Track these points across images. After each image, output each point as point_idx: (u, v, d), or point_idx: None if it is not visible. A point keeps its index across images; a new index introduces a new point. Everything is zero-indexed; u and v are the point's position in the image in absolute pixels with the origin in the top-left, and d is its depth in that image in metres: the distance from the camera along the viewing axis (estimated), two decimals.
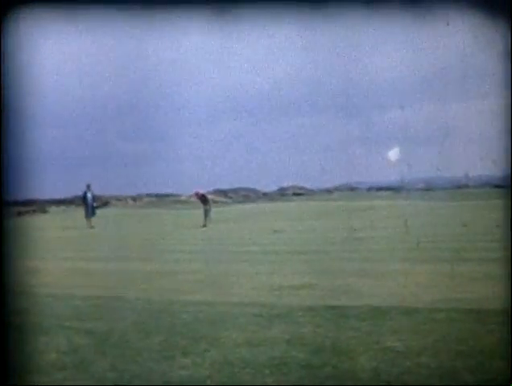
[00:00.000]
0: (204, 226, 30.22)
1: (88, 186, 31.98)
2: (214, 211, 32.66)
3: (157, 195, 59.98)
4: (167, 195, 59.76)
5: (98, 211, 32.77)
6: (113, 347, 5.78)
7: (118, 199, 56.30)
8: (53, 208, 49.59)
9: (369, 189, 63.33)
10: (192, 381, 4.81)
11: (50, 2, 6.17)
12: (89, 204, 31.47)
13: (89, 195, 31.73)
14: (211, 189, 48.08)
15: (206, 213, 31.17)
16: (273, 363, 5.11)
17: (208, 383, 4.75)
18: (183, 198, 57.17)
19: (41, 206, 47.27)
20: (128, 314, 7.53)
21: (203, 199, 31.78)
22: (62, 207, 50.06)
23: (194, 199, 34.90)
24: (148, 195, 59.63)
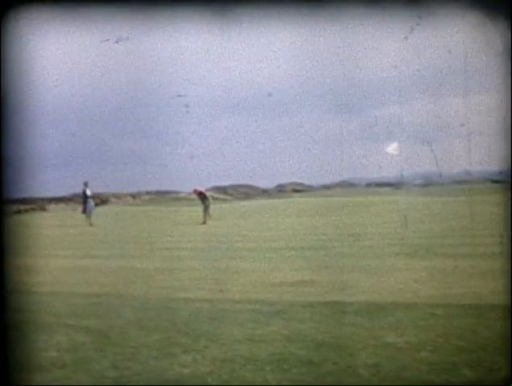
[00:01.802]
0: (204, 223, 30.21)
1: (86, 184, 31.99)
2: (213, 208, 32.64)
3: (156, 193, 59.87)
4: (166, 192, 59.65)
5: (97, 209, 32.77)
6: (113, 345, 5.78)
7: (117, 196, 56.22)
8: (52, 206, 49.55)
9: (368, 185, 63.25)
10: (193, 378, 4.81)
11: (50, 2, 6.17)
12: (88, 201, 31.51)
13: (88, 192, 31.76)
14: (210, 186, 47.98)
15: (205, 210, 31.19)
16: (273, 360, 5.12)
17: (209, 380, 4.75)
18: (182, 195, 57.10)
19: (40, 204, 47.20)
20: (128, 312, 7.53)
21: (201, 196, 31.79)
22: (61, 205, 50.02)
23: (194, 195, 34.87)
24: (147, 193, 59.53)
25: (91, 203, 31.70)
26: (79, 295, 9.04)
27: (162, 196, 58.66)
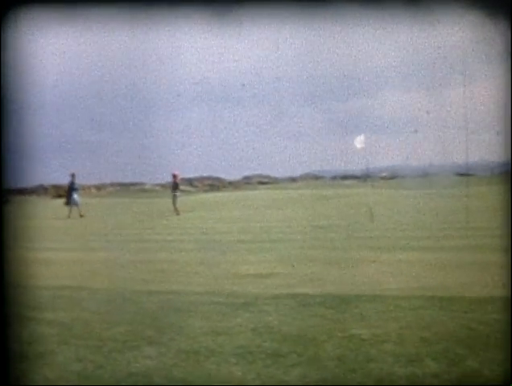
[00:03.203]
0: (178, 214, 29.98)
1: (73, 175, 31.61)
2: (180, 200, 32.54)
3: (121, 184, 59.49)
4: (131, 184, 59.32)
5: (60, 201, 32.54)
6: (77, 338, 5.73)
7: (81, 188, 55.77)
8: (15, 198, 48.99)
9: (334, 177, 63.61)
10: (158, 370, 4.79)
11: (50, 2, 6.15)
12: (73, 193, 31.22)
13: (73, 184, 31.45)
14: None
15: (174, 200, 30.92)
16: (238, 352, 5.11)
17: (174, 372, 4.73)
18: (147, 187, 56.88)
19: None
20: (92, 304, 7.47)
21: (176, 184, 31.51)
22: (24, 197, 49.51)
23: (159, 187, 34.68)
24: (112, 184, 59.15)
25: (75, 195, 31.32)
26: (43, 287, 8.95)
27: (127, 188, 58.37)
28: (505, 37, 5.31)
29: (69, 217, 29.83)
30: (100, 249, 15.31)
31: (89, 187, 57.57)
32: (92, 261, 12.60)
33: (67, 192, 31.62)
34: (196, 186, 60.43)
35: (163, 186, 57.12)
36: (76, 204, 30.96)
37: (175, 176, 31.99)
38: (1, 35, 5.46)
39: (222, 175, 64.13)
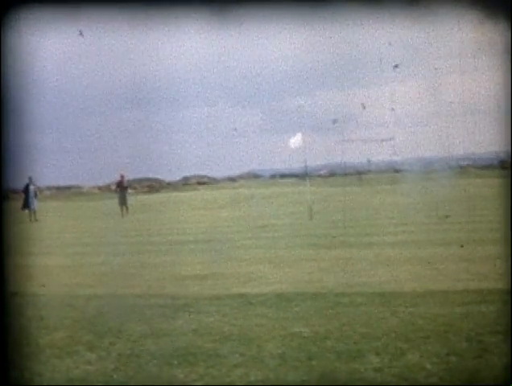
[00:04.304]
0: (127, 214, 29.70)
1: (30, 179, 30.83)
2: (119, 202, 32.22)
3: (57, 188, 58.53)
4: (67, 187, 58.42)
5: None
6: (13, 344, 5.60)
7: (15, 192, 54.72)
8: None
9: (273, 176, 63.83)
10: (98, 375, 4.71)
11: (50, 2, 6.08)
12: (31, 196, 30.58)
13: (31, 187, 30.78)
14: (113, 180, 47.35)
15: (124, 201, 30.65)
16: (180, 354, 5.07)
17: (114, 376, 4.66)
18: (84, 190, 56.19)
19: None
20: (29, 310, 7.33)
21: (123, 185, 31.27)
22: None
23: (96, 190, 34.37)
24: (48, 188, 58.16)
25: (34, 198, 30.75)
26: None
27: (63, 191, 57.51)
28: (505, 37, 5.37)
29: (31, 221, 29.35)
30: (38, 254, 15.04)
31: None
32: (29, 266, 12.36)
33: (24, 197, 30.96)
34: (135, 188, 59.92)
35: (100, 188, 56.51)
36: (34, 209, 30.52)
37: (122, 177, 31.86)
38: (1, 35, 5.40)
39: (161, 176, 63.72)
